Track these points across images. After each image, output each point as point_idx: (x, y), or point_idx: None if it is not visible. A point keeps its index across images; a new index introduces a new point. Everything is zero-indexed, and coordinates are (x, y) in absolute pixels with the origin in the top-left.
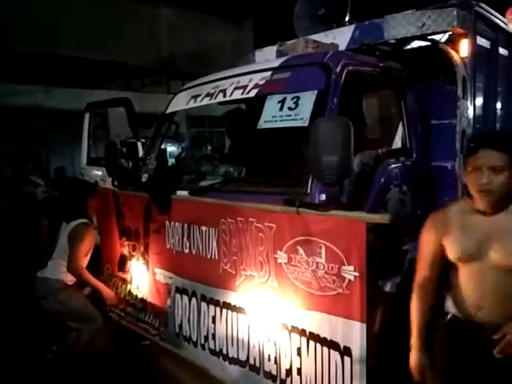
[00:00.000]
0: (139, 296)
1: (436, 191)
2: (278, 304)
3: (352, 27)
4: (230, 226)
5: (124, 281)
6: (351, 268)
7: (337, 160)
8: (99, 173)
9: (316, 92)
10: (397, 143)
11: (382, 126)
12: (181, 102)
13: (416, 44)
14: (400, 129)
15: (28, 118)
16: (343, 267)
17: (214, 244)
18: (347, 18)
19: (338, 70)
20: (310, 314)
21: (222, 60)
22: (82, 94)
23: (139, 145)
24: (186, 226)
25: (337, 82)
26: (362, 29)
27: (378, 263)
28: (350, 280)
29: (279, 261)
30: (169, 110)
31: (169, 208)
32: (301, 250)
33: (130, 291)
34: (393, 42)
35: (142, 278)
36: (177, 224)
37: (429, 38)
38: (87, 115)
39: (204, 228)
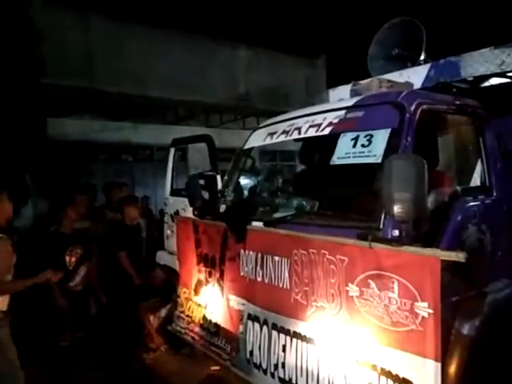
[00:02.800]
0: (213, 321)
1: None
2: (348, 337)
3: (427, 66)
4: (302, 257)
5: (199, 305)
6: (425, 305)
7: (409, 197)
8: (180, 203)
9: (389, 130)
10: (475, 181)
11: (458, 163)
12: (258, 139)
13: (494, 81)
14: (479, 166)
15: (118, 152)
16: (416, 303)
17: (286, 274)
18: (422, 57)
19: (412, 108)
20: (382, 348)
21: (295, 97)
22: (165, 129)
23: (218, 178)
24: (259, 255)
25: (411, 120)
26: (437, 67)
27: (454, 302)
28: (423, 317)
29: (351, 294)
30: (247, 146)
31: (244, 237)
32: (373, 284)
33: (204, 315)
34: (470, 79)
35: (217, 303)
36: (251, 253)
37: (508, 75)
38: (172, 150)
39: (277, 258)
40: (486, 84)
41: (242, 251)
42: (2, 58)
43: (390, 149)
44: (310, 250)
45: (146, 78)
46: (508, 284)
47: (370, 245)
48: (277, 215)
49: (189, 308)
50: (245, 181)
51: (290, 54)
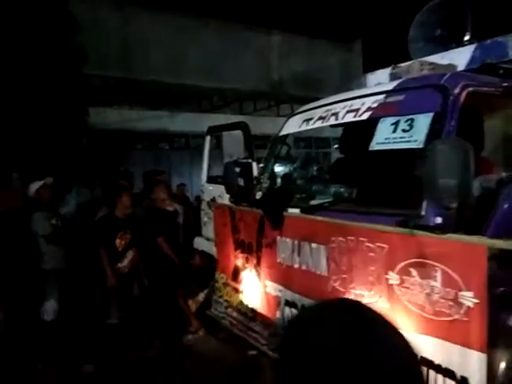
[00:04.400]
0: (250, 306)
1: None
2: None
3: (472, 47)
4: (340, 244)
5: (237, 290)
6: (470, 294)
7: (455, 183)
8: (217, 190)
9: (432, 114)
10: None
11: (505, 148)
12: (294, 125)
13: None
14: None
15: (155, 140)
16: (461, 293)
17: (324, 261)
18: (467, 38)
19: (456, 91)
20: (423, 338)
21: (330, 83)
22: (200, 117)
23: (254, 165)
24: (296, 242)
25: (454, 103)
26: (483, 48)
27: (501, 292)
28: (468, 306)
29: (391, 282)
30: (282, 133)
31: (280, 224)
32: (414, 273)
33: (241, 301)
34: None
35: (254, 288)
36: (288, 240)
37: None
38: (208, 138)
39: (314, 245)
40: None
41: (278, 238)
42: (46, 51)
43: (433, 134)
44: (349, 238)
45: (182, 66)
46: None
47: (412, 232)
48: (314, 202)
49: (226, 293)
50: (281, 168)
51: (325, 39)
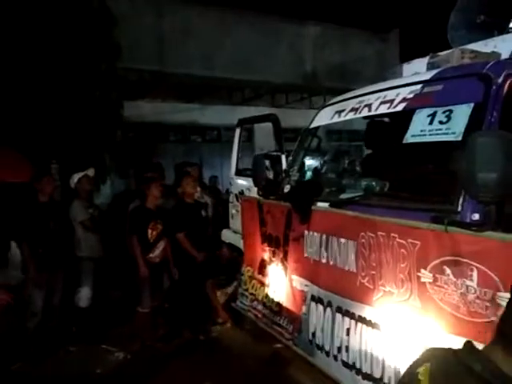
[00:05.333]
0: (276, 300)
1: None
2: (419, 324)
3: None
4: (369, 239)
5: (262, 284)
6: (508, 295)
7: (495, 177)
8: (245, 183)
9: (472, 105)
10: None
11: None
12: (325, 117)
13: None
14: None
15: (187, 133)
16: (499, 293)
17: (353, 257)
18: (511, 24)
19: (500, 80)
20: (456, 339)
21: (366, 74)
22: (232, 110)
23: (283, 158)
24: (324, 236)
25: (498, 93)
26: None
27: None
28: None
29: (423, 280)
30: (313, 125)
31: (309, 218)
32: (448, 271)
33: (267, 294)
34: None
35: (280, 282)
36: (316, 234)
37: None
38: (238, 130)
39: (343, 240)
40: None
41: (306, 232)
42: (82, 45)
43: (473, 126)
44: (379, 233)
45: (214, 58)
46: None
47: (446, 229)
48: (343, 196)
49: (252, 286)
50: (311, 161)
51: (360, 29)
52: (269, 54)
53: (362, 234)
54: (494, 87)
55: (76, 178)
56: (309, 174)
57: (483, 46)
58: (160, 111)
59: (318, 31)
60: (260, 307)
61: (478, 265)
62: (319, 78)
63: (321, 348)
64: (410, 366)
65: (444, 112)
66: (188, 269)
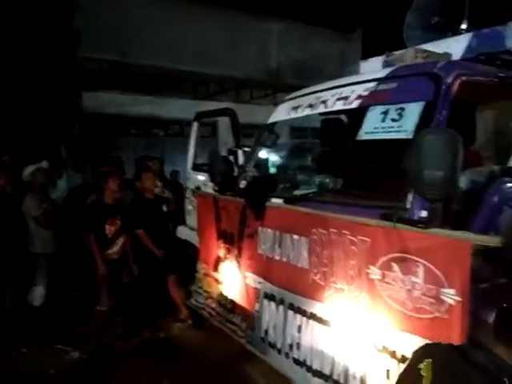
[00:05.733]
0: (230, 297)
1: None
2: (368, 321)
3: (469, 35)
4: (321, 236)
5: (217, 281)
6: (452, 291)
7: (441, 175)
8: (202, 178)
9: (423, 103)
10: None
11: (499, 141)
12: (282, 113)
13: None
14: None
15: (148, 127)
16: (442, 290)
17: (305, 253)
18: (464, 26)
19: (450, 80)
20: (403, 335)
21: (329, 72)
22: (196, 105)
23: (240, 153)
24: (278, 233)
25: (447, 92)
26: (480, 37)
27: (484, 289)
28: (450, 304)
29: (372, 276)
30: (270, 120)
31: (263, 214)
32: (396, 268)
33: (221, 292)
34: None
35: (234, 280)
36: (269, 231)
37: None
38: (195, 124)
39: (296, 236)
40: None
41: (260, 228)
42: (39, 33)
43: (423, 124)
44: (331, 230)
45: (178, 51)
46: None
47: (395, 226)
48: (298, 192)
49: (207, 284)
50: (269, 156)
51: (324, 27)
52: (234, 49)
53: (314, 230)
54: (444, 86)
55: (29, 170)
56: (265, 170)
57: (436, 47)
58: (121, 103)
59: (282, 28)
60: (214, 305)
61: (423, 261)
62: (283, 74)
63: (273, 346)
64: (409, 362)
65: (396, 110)
66: (148, 265)
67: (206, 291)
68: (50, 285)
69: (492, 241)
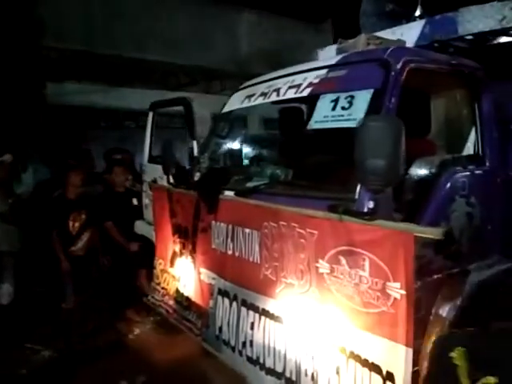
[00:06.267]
0: (185, 294)
1: None
2: (318, 317)
3: (422, 22)
4: (272, 229)
5: (174, 277)
6: (397, 285)
7: (383, 164)
8: (159, 170)
9: (372, 91)
10: (468, 149)
11: (450, 129)
12: (236, 102)
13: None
14: (473, 134)
15: (119, 119)
16: (388, 283)
17: (257, 248)
18: (418, 13)
19: (399, 66)
20: (352, 330)
21: (299, 63)
22: (166, 95)
23: (195, 144)
24: (230, 226)
25: (396, 79)
26: (433, 24)
27: (432, 282)
28: (395, 298)
29: (321, 270)
30: (225, 110)
31: (215, 208)
32: (343, 261)
33: (177, 288)
34: (470, 38)
35: (189, 276)
36: (222, 224)
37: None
38: (151, 114)
39: (247, 230)
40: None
41: (213, 222)
42: (2, 20)
43: (372, 111)
44: (280, 223)
45: (147, 41)
46: (497, 261)
47: (341, 218)
48: (250, 185)
49: (164, 280)
50: (225, 147)
51: (295, 18)
52: (204, 39)
53: (265, 223)
54: (393, 73)
55: None
56: (221, 161)
57: (391, 34)
58: (89, 94)
59: (253, 19)
60: (171, 302)
61: (369, 254)
62: (254, 65)
63: (227, 343)
64: (434, 353)
65: (346, 98)
66: (118, 259)
67: (163, 288)
68: (17, 282)
69: (434, 233)
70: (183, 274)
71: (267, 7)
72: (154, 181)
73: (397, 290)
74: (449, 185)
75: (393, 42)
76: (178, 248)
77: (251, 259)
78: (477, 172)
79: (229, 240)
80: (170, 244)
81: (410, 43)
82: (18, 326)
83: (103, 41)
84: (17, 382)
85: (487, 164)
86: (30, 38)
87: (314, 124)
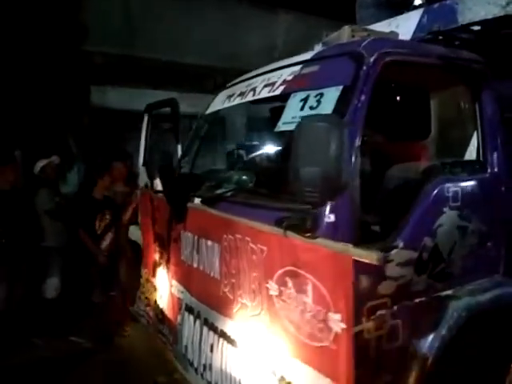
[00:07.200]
0: (160, 306)
1: None
2: (267, 343)
3: (419, 12)
4: (230, 242)
5: (154, 288)
6: (338, 317)
7: (319, 172)
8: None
9: (341, 87)
10: (470, 154)
11: (441, 132)
12: (218, 103)
13: None
14: (474, 137)
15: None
16: (330, 314)
17: (217, 262)
18: (418, 2)
19: (372, 60)
20: (297, 364)
21: None
22: (202, 98)
23: (179, 148)
24: (196, 237)
25: (368, 74)
26: (431, 13)
27: (371, 316)
28: (336, 332)
29: (271, 292)
30: (208, 111)
31: (183, 216)
32: (290, 283)
33: (156, 300)
34: (477, 28)
35: (164, 288)
36: (189, 234)
37: None
38: (146, 116)
39: (209, 242)
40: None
41: (182, 232)
42: (48, 27)
43: (339, 112)
44: (237, 236)
45: (184, 44)
46: (497, 283)
47: (285, 233)
48: (217, 192)
49: (147, 290)
50: (203, 150)
51: (330, 19)
52: (240, 41)
53: (224, 236)
54: (365, 67)
55: (39, 165)
56: (198, 166)
57: (387, 26)
58: (128, 98)
59: (289, 19)
60: (152, 313)
61: (312, 278)
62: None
63: (191, 364)
64: None
65: (316, 96)
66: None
67: (146, 298)
68: (63, 277)
69: (370, 257)
70: (160, 285)
71: (303, 8)
72: (147, 185)
73: (337, 322)
74: (434, 195)
75: (383, 34)
76: (157, 257)
77: (212, 274)
78: (474, 180)
79: (194, 252)
80: (151, 252)
81: (406, 35)
82: (63, 319)
83: (142, 44)
84: (62, 373)
85: (488, 170)
86: (75, 44)
87: (281, 126)
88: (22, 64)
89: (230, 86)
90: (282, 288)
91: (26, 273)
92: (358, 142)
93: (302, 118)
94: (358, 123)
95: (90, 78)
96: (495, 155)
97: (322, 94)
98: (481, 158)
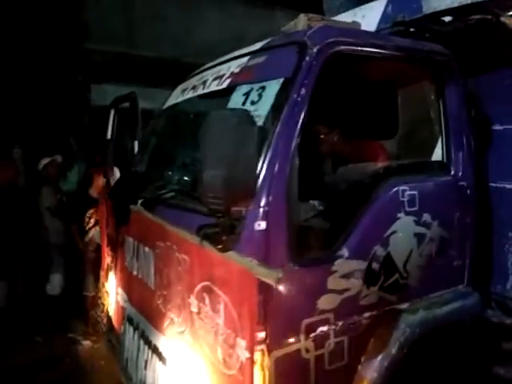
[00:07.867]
0: (109, 314)
1: (495, 223)
2: (191, 367)
3: (384, 1)
4: (162, 250)
5: (107, 293)
6: (243, 343)
7: (221, 176)
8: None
9: (282, 80)
10: (437, 155)
11: (405, 130)
12: (174, 97)
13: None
14: (437, 136)
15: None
16: (238, 339)
17: (152, 270)
18: None
19: (315, 50)
20: None
21: None
22: None
23: (136, 145)
24: (136, 243)
25: (311, 66)
26: (396, 2)
27: (332, 331)
28: (242, 361)
29: (192, 309)
30: (165, 105)
31: (126, 219)
32: (207, 300)
33: (107, 306)
34: (449, 19)
35: (112, 295)
36: (130, 239)
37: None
38: (112, 111)
39: (146, 248)
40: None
41: (125, 236)
42: (48, 25)
43: (277, 107)
44: (167, 243)
45: (184, 42)
46: (460, 294)
47: (202, 243)
48: (157, 193)
49: (103, 295)
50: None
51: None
52: (239, 39)
53: (157, 242)
54: (307, 58)
55: (43, 163)
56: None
57: (352, 16)
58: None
59: (290, 18)
60: (105, 320)
61: (223, 295)
62: None
63: (130, 379)
64: None
65: (258, 90)
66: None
67: (102, 303)
68: (66, 274)
69: (270, 276)
70: (110, 291)
71: (304, 7)
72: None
73: (243, 350)
74: (387, 199)
75: (342, 23)
76: (109, 261)
77: (149, 284)
78: (435, 182)
79: (134, 258)
80: (105, 256)
81: (371, 26)
82: (64, 316)
83: (142, 42)
84: (60, 371)
85: (452, 172)
86: (75, 42)
87: None
88: (22, 63)
89: (187, 79)
90: (201, 305)
91: (25, 270)
92: (296, 140)
93: (211, 113)
94: (297, 119)
95: (91, 76)
96: (460, 156)
97: (263, 88)
98: (444, 159)
